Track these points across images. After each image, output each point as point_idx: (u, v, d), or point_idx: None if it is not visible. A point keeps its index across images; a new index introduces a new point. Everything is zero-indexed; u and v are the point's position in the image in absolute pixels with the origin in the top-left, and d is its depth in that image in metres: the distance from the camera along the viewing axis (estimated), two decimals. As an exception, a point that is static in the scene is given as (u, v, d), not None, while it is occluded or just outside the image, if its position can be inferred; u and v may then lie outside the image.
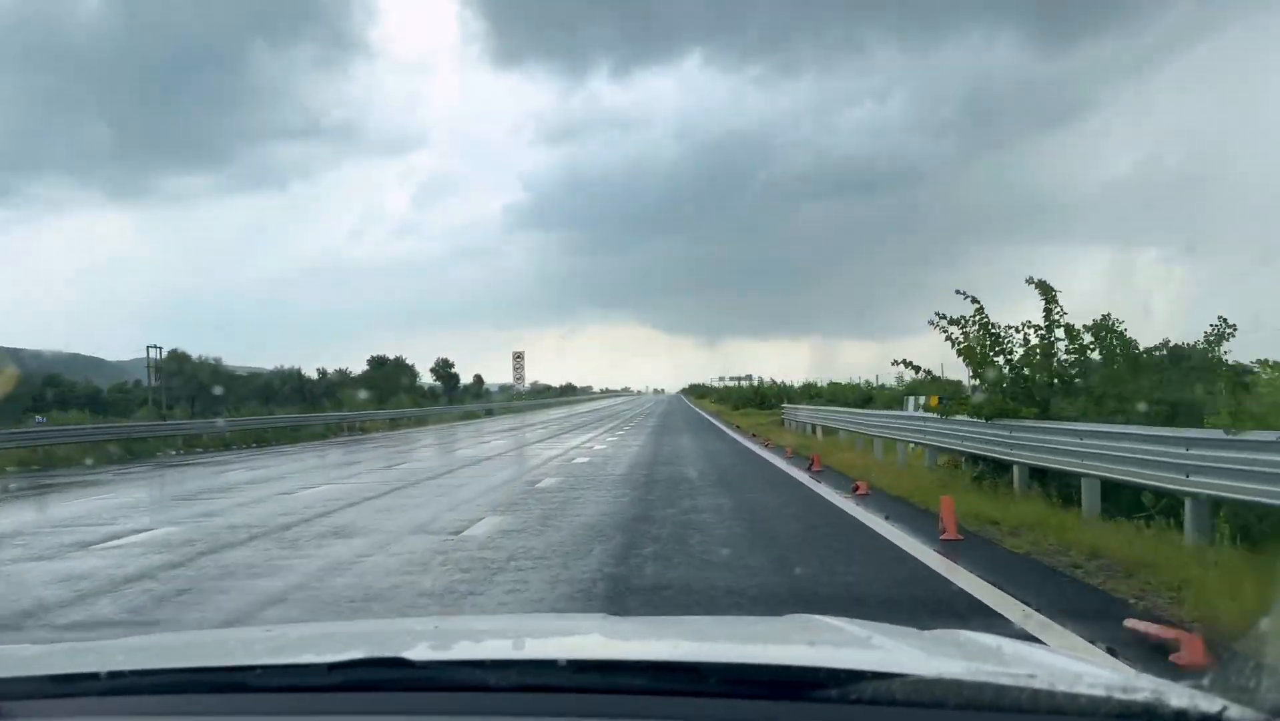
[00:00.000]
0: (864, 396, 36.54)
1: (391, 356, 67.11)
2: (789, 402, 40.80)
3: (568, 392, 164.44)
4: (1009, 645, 2.25)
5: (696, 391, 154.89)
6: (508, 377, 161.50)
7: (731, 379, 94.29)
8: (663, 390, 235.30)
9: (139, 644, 2.58)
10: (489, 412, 66.75)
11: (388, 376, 62.29)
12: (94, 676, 1.65)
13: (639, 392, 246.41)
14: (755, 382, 65.41)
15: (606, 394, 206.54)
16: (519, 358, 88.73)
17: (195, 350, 50.92)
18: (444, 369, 77.22)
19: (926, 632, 2.20)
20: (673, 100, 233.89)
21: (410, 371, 67.75)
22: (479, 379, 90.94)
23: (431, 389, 71.85)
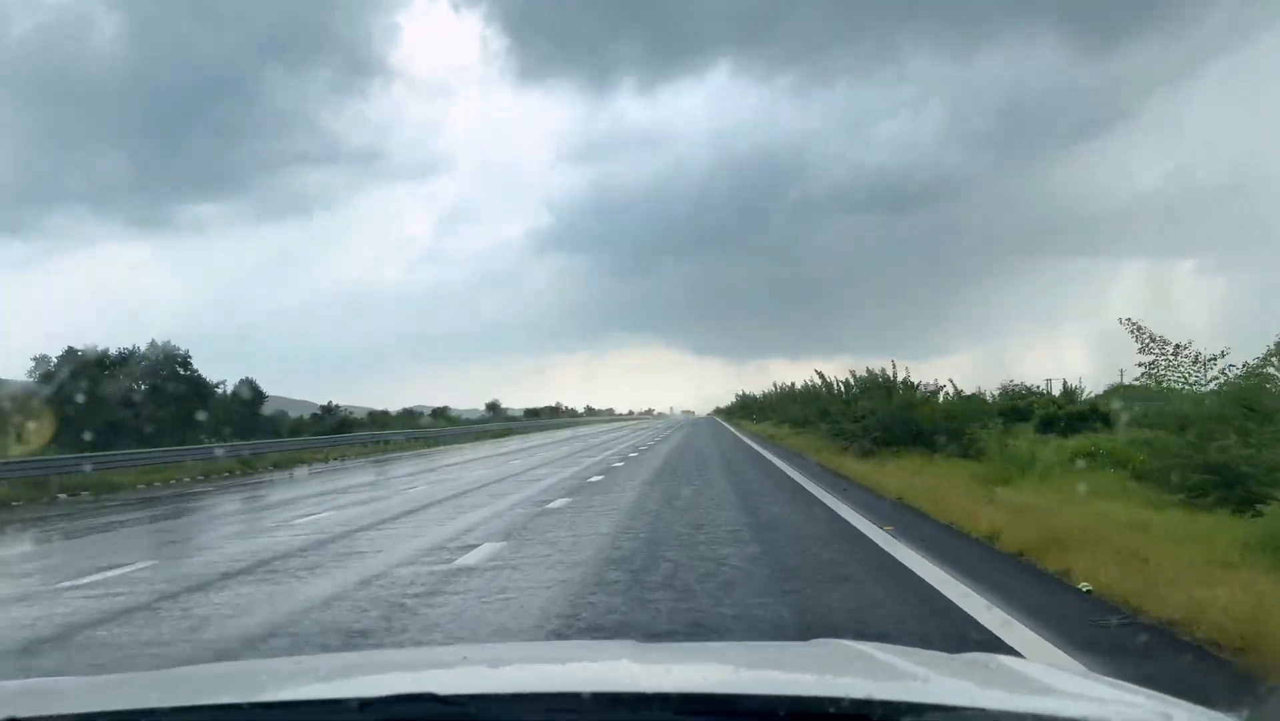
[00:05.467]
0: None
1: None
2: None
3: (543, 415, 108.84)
4: (1039, 671, 2.23)
5: (758, 414, 68.03)
6: (517, 403, 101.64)
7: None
8: (692, 411, 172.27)
9: (169, 678, 2.54)
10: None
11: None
12: (129, 715, 1.61)
13: (660, 415, 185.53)
14: None
15: (594, 418, 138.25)
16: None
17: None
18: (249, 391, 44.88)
19: (957, 657, 2.18)
20: (701, 115, 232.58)
21: (203, 387, 42.06)
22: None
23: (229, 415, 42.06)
